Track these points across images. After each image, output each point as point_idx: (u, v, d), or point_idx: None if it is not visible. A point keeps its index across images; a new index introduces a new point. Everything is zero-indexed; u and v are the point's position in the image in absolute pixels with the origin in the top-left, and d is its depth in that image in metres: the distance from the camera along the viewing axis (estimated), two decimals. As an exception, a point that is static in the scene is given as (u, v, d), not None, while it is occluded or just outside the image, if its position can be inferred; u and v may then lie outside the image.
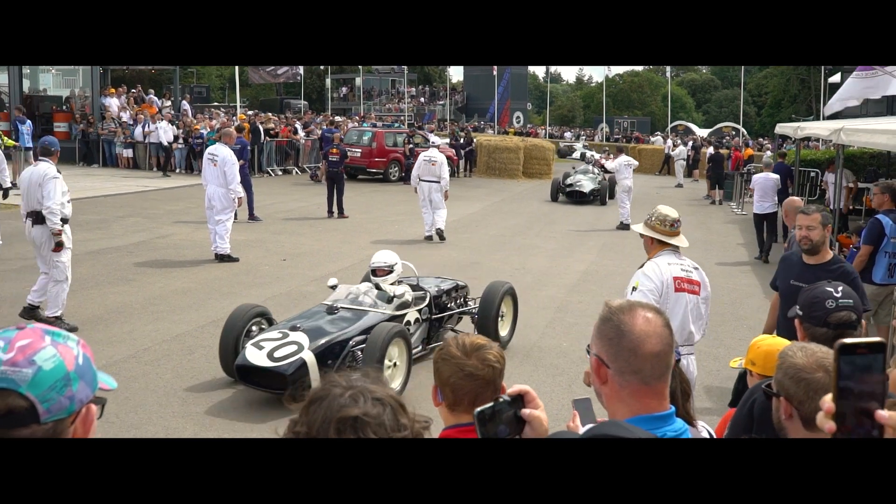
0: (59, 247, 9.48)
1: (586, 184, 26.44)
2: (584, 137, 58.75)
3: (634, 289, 5.58)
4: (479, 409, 2.21)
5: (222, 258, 13.86)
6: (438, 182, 17.26)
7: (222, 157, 13.97)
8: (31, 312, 9.68)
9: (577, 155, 42.96)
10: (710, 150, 31.93)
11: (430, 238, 17.26)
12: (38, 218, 9.49)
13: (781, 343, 3.65)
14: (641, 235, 5.91)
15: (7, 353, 1.51)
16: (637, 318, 2.21)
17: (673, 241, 5.77)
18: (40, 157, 9.77)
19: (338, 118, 39.83)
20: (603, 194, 26.33)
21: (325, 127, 33.11)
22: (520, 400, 2.25)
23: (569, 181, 26.76)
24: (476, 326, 9.09)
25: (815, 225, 5.84)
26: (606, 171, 26.10)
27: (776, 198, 15.96)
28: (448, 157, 31.60)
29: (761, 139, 54.96)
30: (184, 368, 8.40)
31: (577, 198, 25.96)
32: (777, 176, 17.00)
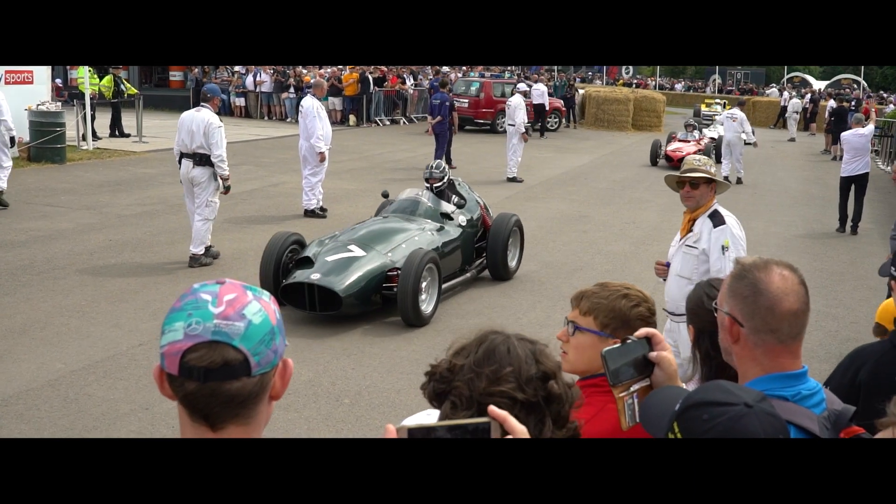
0: (227, 190, 10.43)
1: (335, 265, 8.38)
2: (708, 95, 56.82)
3: (725, 248, 5.18)
4: (605, 348, 2.18)
5: (308, 213, 13.55)
6: (514, 125, 18.73)
7: (306, 109, 13.54)
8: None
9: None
10: (832, 103, 30.17)
11: (511, 179, 18.45)
12: (200, 160, 10.08)
13: None
14: (689, 186, 5.36)
15: (217, 307, 1.52)
16: (773, 275, 2.12)
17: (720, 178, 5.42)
18: (201, 104, 10.27)
19: (445, 68, 39.66)
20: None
21: (433, 77, 33.10)
22: (647, 343, 2.23)
23: (305, 253, 8.82)
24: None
25: None
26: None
27: (868, 158, 14.82)
28: (556, 108, 31.69)
29: (882, 92, 52.68)
30: (298, 315, 8.55)
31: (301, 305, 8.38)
32: (870, 132, 15.27)
